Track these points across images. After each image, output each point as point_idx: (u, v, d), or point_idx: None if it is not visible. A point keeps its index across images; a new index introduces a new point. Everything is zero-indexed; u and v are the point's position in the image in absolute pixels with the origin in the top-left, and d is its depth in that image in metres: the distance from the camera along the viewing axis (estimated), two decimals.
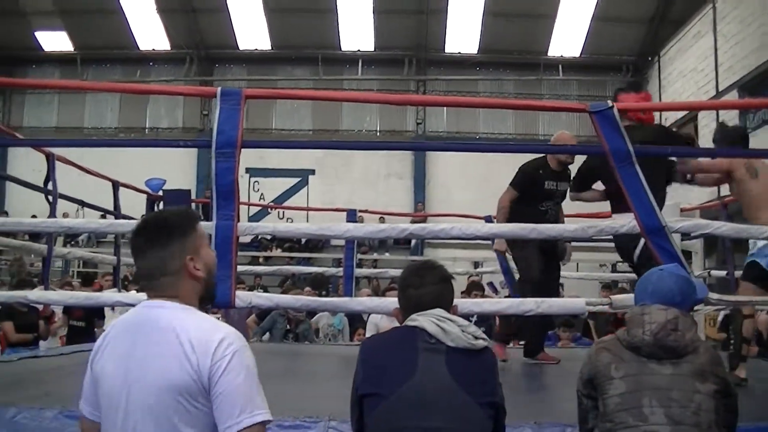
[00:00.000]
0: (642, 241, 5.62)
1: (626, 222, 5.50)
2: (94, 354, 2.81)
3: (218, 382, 2.55)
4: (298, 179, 26.95)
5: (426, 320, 3.32)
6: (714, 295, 5.51)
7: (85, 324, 11.47)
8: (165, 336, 2.62)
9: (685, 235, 6.44)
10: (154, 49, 28.56)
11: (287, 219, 24.25)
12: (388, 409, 3.19)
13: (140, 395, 2.59)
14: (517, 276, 8.71)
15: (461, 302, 4.35)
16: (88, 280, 12.96)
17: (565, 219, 8.82)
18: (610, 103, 5.27)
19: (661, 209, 5.46)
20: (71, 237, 22.29)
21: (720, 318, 13.02)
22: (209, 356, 2.56)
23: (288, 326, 11.49)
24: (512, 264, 9.05)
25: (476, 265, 14.82)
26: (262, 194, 26.47)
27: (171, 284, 2.75)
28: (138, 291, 3.67)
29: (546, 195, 8.30)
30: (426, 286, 3.47)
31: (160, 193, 10.34)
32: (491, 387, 3.33)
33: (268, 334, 11.51)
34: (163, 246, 2.75)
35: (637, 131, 6.05)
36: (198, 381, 2.56)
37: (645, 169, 5.27)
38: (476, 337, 3.35)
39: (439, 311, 3.37)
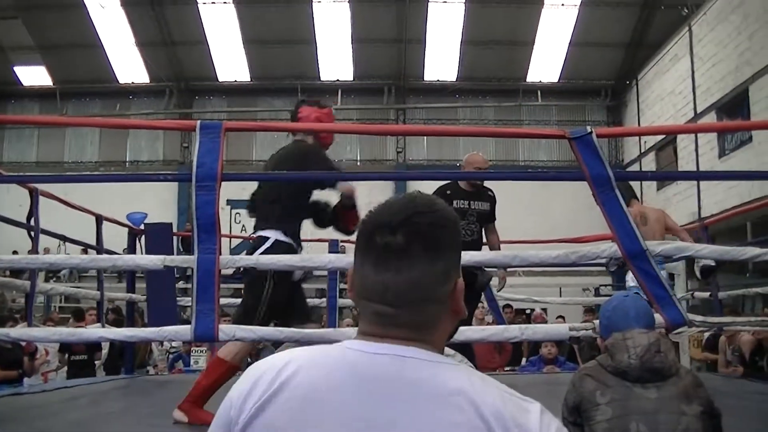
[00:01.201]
0: None
1: (608, 247, 5.52)
2: (254, 408, 1.63)
3: None
4: None
5: None
6: (698, 317, 5.52)
7: (87, 357, 11.43)
8: (447, 405, 1.54)
9: (667, 257, 6.44)
10: (133, 83, 28.65)
11: None
12: None
13: None
14: None
15: None
16: (79, 315, 12.86)
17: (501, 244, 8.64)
18: (589, 128, 5.28)
19: None
20: (53, 272, 22.20)
21: (704, 339, 13.06)
22: None
23: (249, 359, 11.46)
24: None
25: None
26: (243, 226, 26.37)
27: (430, 319, 1.66)
28: (357, 322, 1.95)
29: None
30: None
31: (142, 226, 10.28)
32: None
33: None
34: (436, 256, 1.65)
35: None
36: None
37: None
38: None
39: None
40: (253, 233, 6.01)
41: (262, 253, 5.66)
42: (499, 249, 8.17)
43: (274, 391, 1.61)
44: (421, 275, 1.61)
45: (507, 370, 11.64)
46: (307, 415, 1.58)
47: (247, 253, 5.78)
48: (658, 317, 4.91)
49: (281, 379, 1.62)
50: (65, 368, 11.75)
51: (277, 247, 5.73)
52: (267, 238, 5.78)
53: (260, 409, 1.60)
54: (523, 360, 12.54)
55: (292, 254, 5.74)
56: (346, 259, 5.79)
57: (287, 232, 5.85)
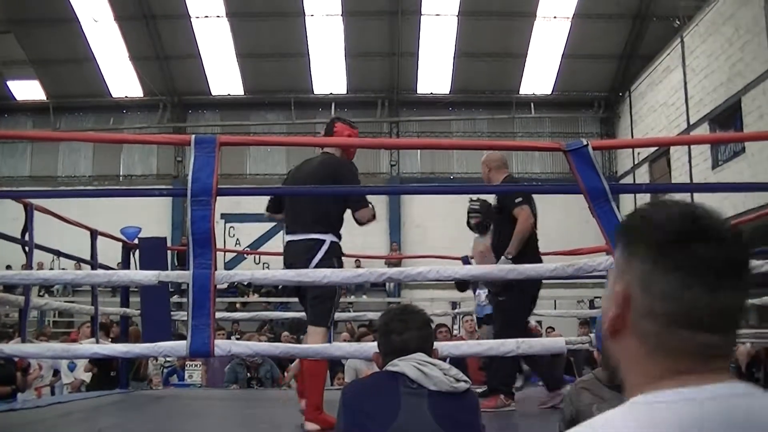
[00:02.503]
0: None
1: (604, 260, 5.51)
2: None
3: None
4: (274, 224, 26.80)
5: (407, 365, 3.30)
6: None
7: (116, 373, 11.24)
8: None
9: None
10: (127, 97, 28.60)
11: (263, 264, 24.18)
12: None
13: None
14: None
15: (441, 345, 4.32)
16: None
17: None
18: (585, 141, 5.29)
19: None
20: (46, 287, 22.15)
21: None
22: None
23: (249, 373, 11.46)
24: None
25: (454, 305, 14.79)
26: (237, 239, 26.41)
27: (733, 349, 1.48)
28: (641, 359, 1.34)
29: None
30: (410, 331, 3.45)
31: (136, 241, 10.27)
32: (475, 429, 3.31)
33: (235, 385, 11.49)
34: (748, 276, 1.38)
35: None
36: None
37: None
38: (458, 380, 3.34)
39: (420, 355, 3.35)
40: (292, 235, 6.32)
41: (323, 256, 6.03)
42: None
43: None
44: (744, 295, 1.36)
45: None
46: None
47: (299, 254, 6.11)
48: None
49: None
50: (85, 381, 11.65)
51: (334, 249, 6.16)
52: (323, 241, 6.11)
53: None
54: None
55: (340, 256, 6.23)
56: (342, 274, 5.77)
57: (337, 234, 6.27)
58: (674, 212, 1.37)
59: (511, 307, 7.22)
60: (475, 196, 9.13)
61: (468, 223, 9.28)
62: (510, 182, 8.02)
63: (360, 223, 6.38)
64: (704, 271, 1.29)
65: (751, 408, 1.26)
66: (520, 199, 7.51)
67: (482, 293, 9.01)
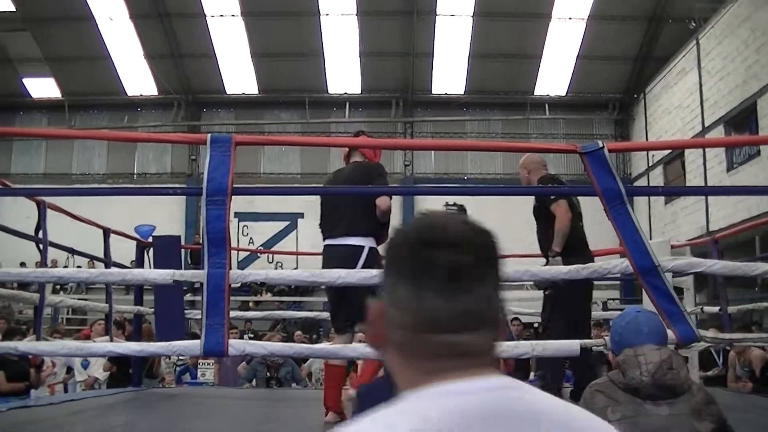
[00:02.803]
0: None
1: (619, 262, 5.49)
2: None
3: None
4: (287, 223, 26.87)
5: None
6: (709, 333, 5.49)
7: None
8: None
9: (677, 272, 6.41)
10: (141, 95, 28.66)
11: (277, 263, 24.21)
12: None
13: None
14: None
15: None
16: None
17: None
18: (600, 143, 5.27)
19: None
20: (60, 284, 22.20)
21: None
22: None
23: (268, 372, 11.44)
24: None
25: None
26: (251, 238, 26.43)
27: (488, 344, 1.46)
28: (400, 362, 1.46)
29: None
30: None
31: (150, 239, 10.26)
32: None
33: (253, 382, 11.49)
34: (497, 272, 1.49)
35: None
36: None
37: None
38: None
39: None
40: (332, 239, 6.53)
41: (364, 262, 6.19)
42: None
43: None
44: (488, 296, 1.43)
45: None
46: None
47: (341, 260, 6.17)
48: (670, 333, 4.89)
49: None
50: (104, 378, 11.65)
51: (374, 254, 6.31)
52: (362, 247, 6.30)
53: None
54: (531, 374, 12.45)
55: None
56: (356, 274, 5.76)
57: (376, 239, 6.44)
58: (419, 224, 1.47)
59: (558, 300, 7.10)
60: (451, 201, 8.99)
61: None
62: (545, 182, 7.78)
63: (380, 211, 6.48)
64: (434, 278, 1.37)
65: (508, 399, 1.36)
66: (554, 196, 7.38)
67: None
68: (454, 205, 8.72)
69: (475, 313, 1.40)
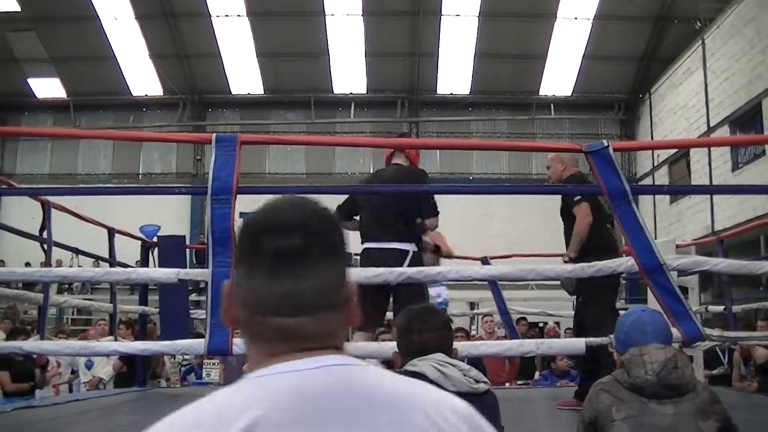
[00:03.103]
0: None
1: (624, 261, 5.49)
2: None
3: None
4: None
5: (427, 365, 3.29)
6: (714, 332, 5.48)
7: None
8: (404, 415, 1.42)
9: (682, 271, 6.40)
10: (147, 95, 28.70)
11: None
12: None
13: None
14: None
15: (461, 345, 4.31)
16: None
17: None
18: (605, 142, 5.26)
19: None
20: (65, 284, 22.22)
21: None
22: None
23: None
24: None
25: (472, 306, 14.77)
26: None
27: (329, 328, 1.50)
28: (247, 343, 1.56)
29: None
30: (430, 331, 3.44)
31: (155, 239, 10.27)
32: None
33: None
34: (333, 255, 1.52)
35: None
36: None
37: None
38: (477, 381, 3.32)
39: (440, 356, 3.34)
40: (374, 242, 6.61)
41: (408, 266, 6.24)
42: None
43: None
44: (321, 280, 1.46)
45: (520, 384, 11.59)
46: None
47: (386, 263, 6.17)
48: (675, 332, 4.88)
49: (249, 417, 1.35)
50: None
51: (417, 259, 6.47)
52: (407, 251, 6.46)
53: None
54: (537, 374, 12.46)
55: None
56: (363, 273, 5.78)
57: (417, 244, 6.57)
58: (260, 210, 1.55)
59: (587, 303, 6.96)
60: None
61: None
62: (573, 180, 7.46)
63: (425, 230, 6.71)
64: (263, 262, 1.44)
65: (337, 379, 1.40)
66: (578, 197, 7.03)
67: (439, 289, 8.58)
68: None
69: (305, 296, 1.44)
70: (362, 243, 6.68)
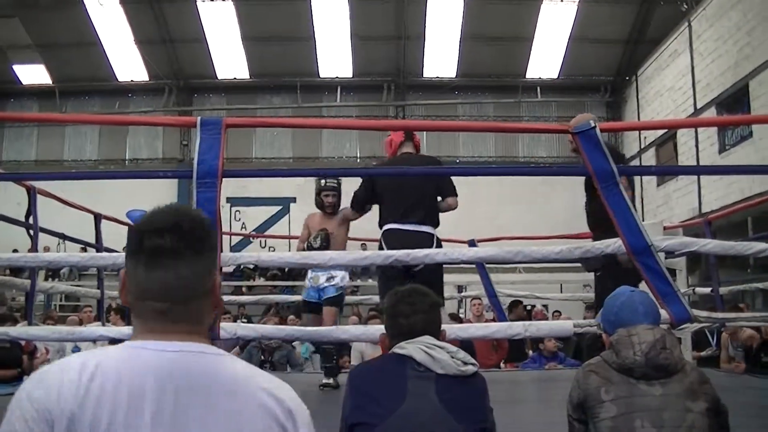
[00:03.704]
0: None
1: (612, 242, 5.48)
2: (67, 419, 1.72)
3: None
4: (280, 207, 26.85)
5: (414, 348, 3.29)
6: (702, 313, 5.48)
7: None
8: (239, 398, 1.83)
9: (670, 253, 6.37)
10: (132, 81, 28.64)
11: (269, 248, 24.16)
12: None
13: None
14: None
15: (448, 327, 4.29)
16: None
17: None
18: (593, 123, 5.24)
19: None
20: (53, 270, 22.17)
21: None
22: (306, 426, 1.92)
23: (262, 356, 11.40)
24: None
25: (460, 289, 14.74)
26: (243, 223, 26.41)
27: (199, 313, 1.92)
28: (133, 320, 2.02)
29: None
30: (417, 314, 3.44)
31: None
32: (482, 413, 3.29)
33: None
34: (199, 253, 1.91)
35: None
36: None
37: None
38: (465, 363, 3.31)
39: (428, 338, 3.33)
40: (399, 224, 6.80)
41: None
42: None
43: (80, 402, 1.73)
44: (188, 273, 1.88)
45: (508, 367, 11.59)
46: (118, 419, 1.73)
47: (414, 246, 6.17)
48: (663, 313, 4.88)
49: (84, 386, 1.75)
50: None
51: (440, 244, 6.80)
52: (434, 235, 6.79)
53: (71, 419, 1.72)
54: (530, 353, 12.42)
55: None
56: (348, 256, 5.78)
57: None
58: (151, 215, 1.96)
59: (607, 280, 6.65)
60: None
61: (321, 203, 8.57)
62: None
63: (443, 209, 6.98)
64: (144, 256, 1.87)
65: (189, 361, 1.83)
66: None
67: (321, 275, 8.10)
68: (335, 179, 8.57)
69: (176, 286, 1.87)
70: (386, 224, 6.86)
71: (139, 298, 1.89)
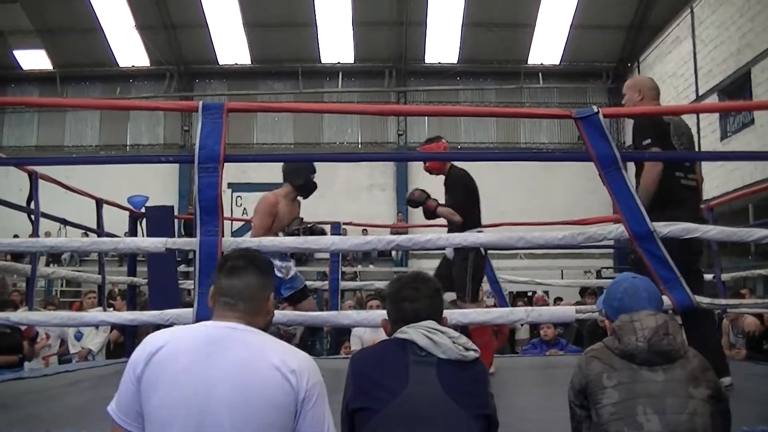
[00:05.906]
0: None
1: (614, 228, 5.46)
2: (144, 366, 2.83)
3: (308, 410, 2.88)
4: None
5: (416, 332, 3.28)
6: (705, 299, 5.47)
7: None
8: (250, 352, 2.87)
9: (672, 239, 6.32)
10: (133, 66, 28.58)
11: None
12: (379, 423, 3.12)
13: (222, 412, 2.73)
14: None
15: (450, 313, 4.29)
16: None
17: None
18: (595, 108, 5.22)
19: None
20: (54, 256, 22.19)
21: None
22: (314, 385, 2.90)
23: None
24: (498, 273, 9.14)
25: None
26: (245, 209, 26.35)
27: (251, 309, 3.05)
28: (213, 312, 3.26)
29: None
30: (421, 299, 3.44)
31: (143, 210, 10.21)
32: (483, 399, 3.28)
33: None
34: (259, 272, 3.11)
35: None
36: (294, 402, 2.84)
37: None
38: (467, 348, 3.30)
39: (430, 323, 3.33)
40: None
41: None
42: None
43: (148, 359, 2.83)
44: (250, 282, 3.06)
45: (510, 353, 11.59)
46: (165, 368, 2.80)
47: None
48: (666, 299, 4.87)
49: (153, 350, 2.85)
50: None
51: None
52: None
53: (142, 371, 2.82)
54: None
55: None
56: (349, 241, 5.78)
57: None
58: (230, 252, 3.43)
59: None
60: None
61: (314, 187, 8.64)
62: (649, 121, 6.24)
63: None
64: (226, 269, 3.12)
65: (225, 333, 2.92)
66: (648, 141, 6.07)
67: (291, 265, 7.93)
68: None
69: (242, 288, 3.04)
70: (476, 228, 7.91)
71: (219, 294, 3.07)
